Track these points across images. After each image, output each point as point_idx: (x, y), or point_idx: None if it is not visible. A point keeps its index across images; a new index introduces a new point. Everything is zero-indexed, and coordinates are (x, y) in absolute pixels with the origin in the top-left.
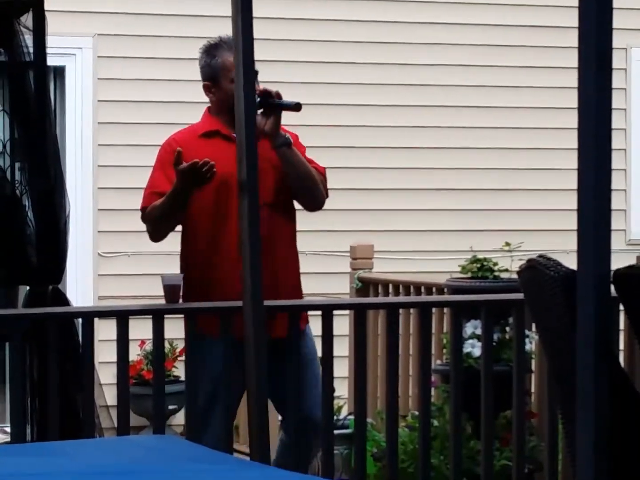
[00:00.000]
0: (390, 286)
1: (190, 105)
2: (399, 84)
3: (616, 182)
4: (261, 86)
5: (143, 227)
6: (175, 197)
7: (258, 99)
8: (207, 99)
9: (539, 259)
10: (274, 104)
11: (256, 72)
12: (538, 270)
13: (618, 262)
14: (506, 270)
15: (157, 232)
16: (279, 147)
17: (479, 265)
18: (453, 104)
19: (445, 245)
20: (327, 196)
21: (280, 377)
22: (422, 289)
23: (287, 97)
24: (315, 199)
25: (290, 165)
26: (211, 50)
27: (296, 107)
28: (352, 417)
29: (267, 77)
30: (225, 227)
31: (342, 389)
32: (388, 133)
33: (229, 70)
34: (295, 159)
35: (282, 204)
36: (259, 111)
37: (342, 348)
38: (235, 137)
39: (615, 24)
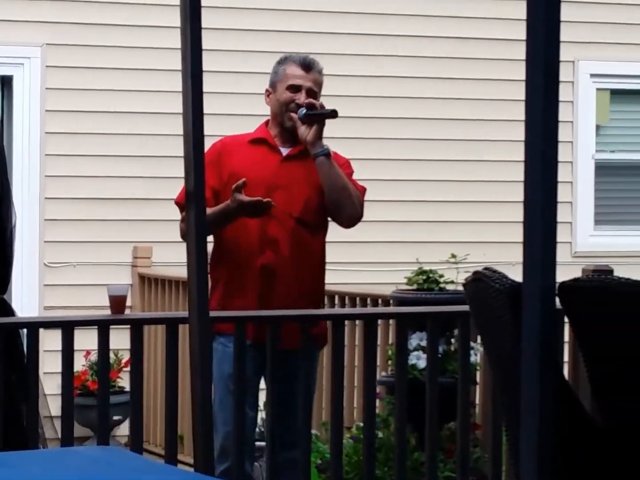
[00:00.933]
0: (336, 297)
1: (139, 116)
2: (340, 95)
3: (562, 194)
4: (306, 99)
5: (89, 237)
6: (224, 218)
7: (304, 111)
8: (152, 110)
9: (484, 272)
10: (316, 114)
11: (315, 92)
12: (484, 282)
13: (564, 274)
14: (452, 282)
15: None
16: (317, 156)
17: (424, 277)
18: (390, 115)
19: (391, 256)
20: (362, 215)
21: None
22: (368, 301)
23: (234, 107)
24: (347, 214)
25: (326, 174)
26: (282, 60)
27: (332, 113)
28: None
29: (216, 88)
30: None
31: None
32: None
33: (288, 80)
34: (332, 170)
35: (312, 219)
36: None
37: None
38: (279, 148)
39: (562, 37)
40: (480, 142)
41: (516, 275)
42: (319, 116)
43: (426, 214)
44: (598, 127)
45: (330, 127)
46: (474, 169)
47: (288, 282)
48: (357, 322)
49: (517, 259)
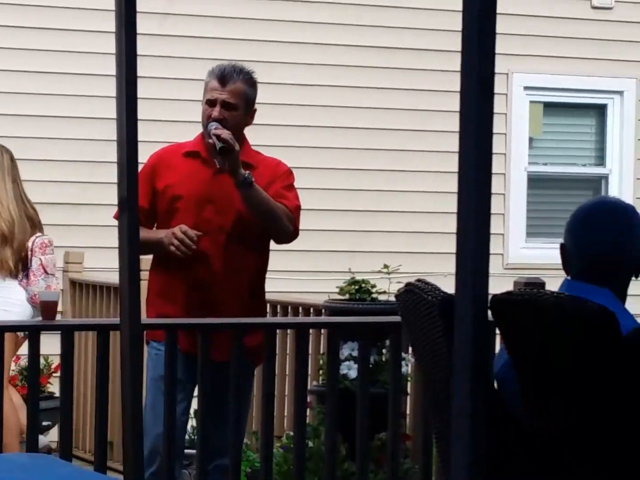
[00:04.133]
0: (269, 306)
1: (72, 120)
2: (274, 103)
3: (495, 206)
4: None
5: None
6: (154, 248)
7: (213, 125)
8: (85, 115)
9: (416, 283)
10: (225, 149)
11: (233, 104)
12: (416, 294)
13: (495, 285)
14: (384, 292)
15: None
16: (238, 187)
17: (357, 287)
18: (324, 124)
19: (325, 265)
20: (296, 232)
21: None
22: (300, 310)
23: (170, 113)
24: (278, 235)
25: (248, 203)
26: (209, 71)
27: (219, 150)
28: None
29: (149, 94)
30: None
31: None
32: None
33: (207, 93)
34: (254, 199)
35: (245, 233)
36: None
37: None
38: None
39: (497, 49)
40: (414, 152)
41: (449, 286)
42: (227, 150)
43: (359, 224)
44: (531, 140)
45: (266, 136)
46: (408, 179)
47: (221, 298)
48: (289, 330)
49: (450, 270)
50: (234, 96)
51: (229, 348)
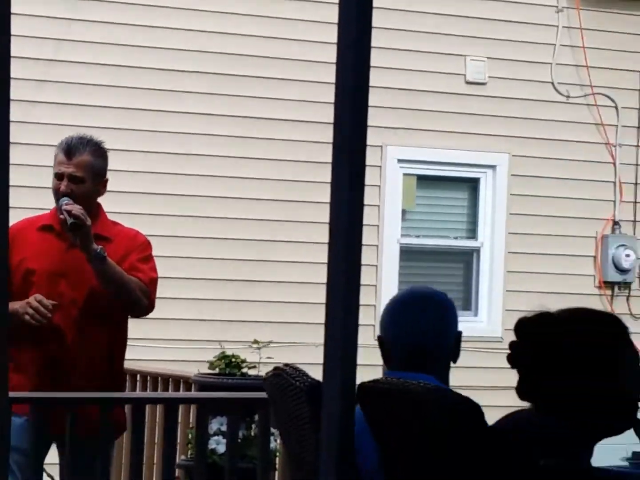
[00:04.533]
0: (138, 376)
1: None
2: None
3: (368, 277)
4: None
5: None
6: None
7: (64, 200)
8: None
9: (285, 368)
10: (76, 224)
11: (80, 177)
12: (284, 378)
13: (368, 358)
14: (254, 367)
15: None
16: (90, 262)
17: (227, 362)
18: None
19: (194, 334)
20: (151, 305)
21: None
22: (170, 382)
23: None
24: (132, 309)
25: (102, 278)
26: (58, 144)
27: (70, 226)
28: None
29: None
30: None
31: None
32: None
33: (55, 167)
34: (107, 273)
35: (98, 307)
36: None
37: None
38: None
39: (371, 122)
40: (280, 222)
41: (320, 357)
42: (78, 225)
43: (232, 293)
44: (404, 212)
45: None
46: (273, 249)
47: (74, 373)
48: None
49: (321, 341)
50: (80, 169)
51: (88, 423)
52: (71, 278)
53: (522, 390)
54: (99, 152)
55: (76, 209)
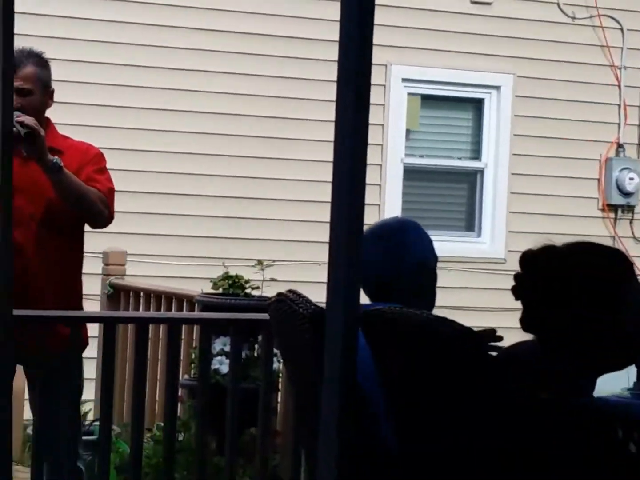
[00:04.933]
0: (142, 294)
1: None
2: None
3: (371, 196)
4: (22, 119)
5: None
6: None
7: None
8: None
9: (288, 294)
10: (29, 134)
11: (28, 89)
12: (287, 304)
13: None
14: (258, 287)
15: None
16: (47, 173)
17: (230, 282)
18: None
19: (199, 251)
20: (111, 216)
21: None
22: (174, 300)
23: None
24: (93, 220)
25: (60, 189)
26: None
27: (24, 136)
28: (97, 423)
29: None
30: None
31: (89, 392)
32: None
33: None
34: (65, 184)
35: (57, 220)
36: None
37: (92, 349)
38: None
39: (375, 40)
40: (289, 140)
41: (323, 276)
42: (33, 135)
43: (234, 210)
44: (408, 132)
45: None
46: (282, 167)
47: (38, 287)
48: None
49: (325, 259)
50: (27, 81)
51: (52, 339)
52: (28, 192)
53: (526, 322)
54: (42, 61)
55: (28, 119)
